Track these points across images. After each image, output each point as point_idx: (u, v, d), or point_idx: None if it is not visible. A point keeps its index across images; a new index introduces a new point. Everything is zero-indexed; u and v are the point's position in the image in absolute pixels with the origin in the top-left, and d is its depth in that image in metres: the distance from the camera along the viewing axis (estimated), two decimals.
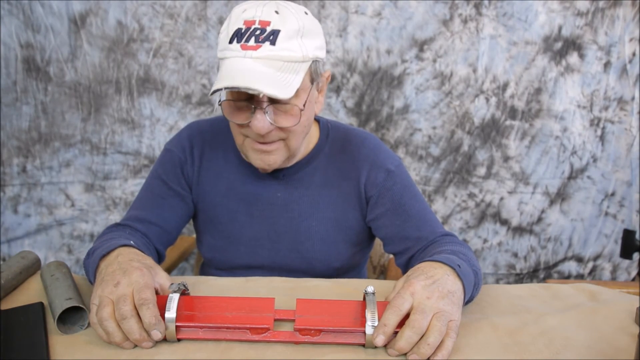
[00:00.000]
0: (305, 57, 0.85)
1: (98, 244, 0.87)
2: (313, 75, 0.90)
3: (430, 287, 0.71)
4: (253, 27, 0.82)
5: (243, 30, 0.83)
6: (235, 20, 0.84)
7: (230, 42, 0.83)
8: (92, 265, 0.80)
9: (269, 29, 0.82)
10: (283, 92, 0.81)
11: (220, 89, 0.81)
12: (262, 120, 0.85)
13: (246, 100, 0.86)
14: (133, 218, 1.02)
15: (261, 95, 0.82)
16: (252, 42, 0.82)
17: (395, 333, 0.68)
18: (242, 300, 0.75)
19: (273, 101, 0.85)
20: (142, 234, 1.01)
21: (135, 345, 0.70)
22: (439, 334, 0.66)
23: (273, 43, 0.82)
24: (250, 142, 0.91)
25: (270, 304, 0.74)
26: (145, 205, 1.05)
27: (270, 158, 0.92)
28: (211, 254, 1.10)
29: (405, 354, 0.68)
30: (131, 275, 0.73)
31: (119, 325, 0.68)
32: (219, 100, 0.89)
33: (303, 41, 0.85)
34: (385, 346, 0.69)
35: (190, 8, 1.71)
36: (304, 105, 0.88)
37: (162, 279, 0.78)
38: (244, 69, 0.81)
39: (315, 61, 0.89)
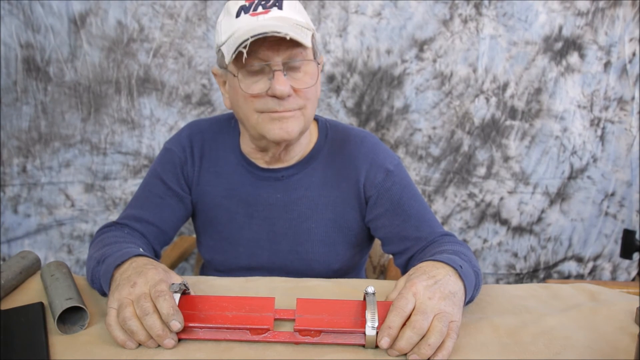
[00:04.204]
0: (308, 25, 0.89)
1: (107, 251, 0.85)
2: (315, 48, 0.93)
3: (432, 288, 0.71)
4: (256, 0, 0.87)
5: (247, 5, 0.87)
6: (235, 4, 0.89)
7: (237, 16, 0.87)
8: (105, 274, 0.79)
9: None
10: (303, 38, 0.84)
11: (247, 39, 0.81)
12: (283, 82, 0.86)
13: (261, 64, 0.87)
14: (131, 217, 1.02)
15: (278, 61, 0.85)
16: (260, 9, 0.86)
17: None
18: (242, 299, 0.75)
19: (287, 65, 0.87)
20: (140, 233, 1.01)
21: (139, 345, 0.70)
22: (439, 335, 0.66)
23: (280, 8, 0.87)
24: (266, 116, 0.90)
25: (271, 304, 0.74)
26: (144, 204, 1.05)
27: (289, 125, 0.90)
28: (210, 255, 1.10)
29: (405, 354, 0.68)
30: (147, 274, 0.73)
31: (142, 323, 0.69)
32: (235, 74, 0.90)
33: (302, 15, 0.91)
34: (374, 348, 0.69)
35: (190, 8, 1.71)
36: (317, 65, 0.92)
37: (177, 282, 0.77)
38: (262, 24, 0.84)
39: (314, 35, 0.92)
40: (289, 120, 0.90)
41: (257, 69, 0.87)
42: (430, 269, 0.75)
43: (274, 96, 0.87)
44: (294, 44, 0.85)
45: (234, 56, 0.84)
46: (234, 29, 0.86)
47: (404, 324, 0.68)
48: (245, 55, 0.83)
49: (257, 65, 0.86)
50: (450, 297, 0.71)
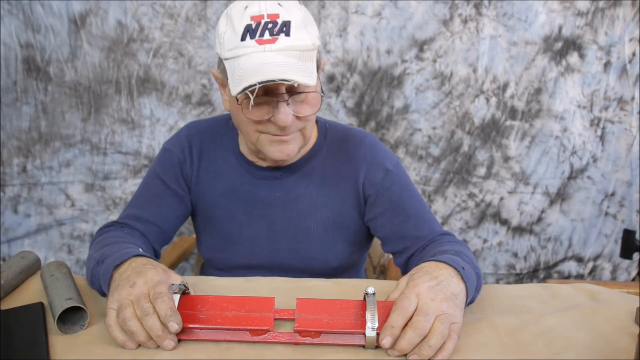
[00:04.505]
0: (314, 44, 0.87)
1: (106, 251, 0.84)
2: (318, 63, 0.91)
3: (435, 289, 0.71)
4: (263, 21, 0.83)
5: (253, 26, 0.83)
6: (240, 18, 0.84)
7: (243, 39, 0.83)
8: (104, 274, 0.78)
9: (279, 20, 0.83)
10: (310, 80, 0.82)
11: (254, 85, 0.79)
12: (286, 113, 0.86)
13: (265, 95, 0.85)
14: (131, 217, 1.02)
15: (282, 90, 0.84)
16: (267, 35, 0.82)
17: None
18: (242, 299, 0.75)
19: (291, 92, 0.86)
20: (141, 233, 1.01)
21: (139, 345, 0.70)
22: (441, 337, 0.66)
23: (288, 34, 0.83)
24: (266, 137, 0.91)
25: (270, 304, 0.74)
26: (144, 204, 1.05)
27: (289, 148, 0.92)
28: (210, 254, 1.10)
29: (405, 355, 0.68)
30: (146, 274, 0.73)
31: (142, 324, 0.69)
32: (238, 100, 0.87)
33: (308, 29, 0.86)
34: (374, 348, 0.69)
35: (190, 8, 1.71)
36: (322, 91, 0.90)
37: (176, 282, 0.77)
38: (270, 62, 0.81)
39: (319, 50, 0.91)
40: (289, 143, 0.92)
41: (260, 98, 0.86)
42: (433, 270, 0.75)
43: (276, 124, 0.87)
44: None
45: (239, 95, 0.82)
46: (239, 52, 0.83)
47: (406, 325, 0.68)
48: (252, 102, 0.81)
49: (262, 97, 0.85)
50: (452, 298, 0.71)
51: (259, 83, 0.79)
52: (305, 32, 0.85)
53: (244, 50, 0.83)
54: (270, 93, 0.85)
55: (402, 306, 0.68)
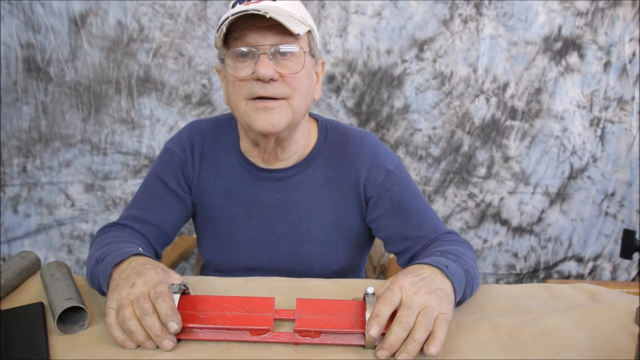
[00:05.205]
0: (304, 20, 0.90)
1: (106, 250, 0.85)
2: (311, 45, 0.93)
3: (418, 284, 0.72)
4: None
5: None
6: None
7: (233, 7, 0.89)
8: (103, 273, 0.79)
9: None
10: (289, 23, 0.85)
11: (228, 17, 0.84)
12: (266, 65, 0.86)
13: (249, 48, 0.88)
14: (131, 218, 1.02)
15: (265, 44, 0.87)
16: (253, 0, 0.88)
17: (384, 334, 0.68)
18: (242, 299, 0.75)
19: (276, 52, 0.88)
20: (141, 234, 1.01)
21: (139, 345, 0.70)
22: (424, 330, 0.66)
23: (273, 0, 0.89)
24: (253, 103, 0.90)
25: (270, 304, 0.74)
26: (144, 204, 1.04)
27: (274, 116, 0.90)
28: (210, 255, 1.10)
29: (394, 355, 0.67)
30: (146, 275, 0.73)
31: (141, 324, 0.69)
32: (223, 57, 0.92)
33: (299, 9, 0.91)
34: (374, 348, 0.69)
35: (190, 8, 1.71)
36: (304, 54, 0.91)
37: (176, 281, 0.77)
38: (249, 8, 0.85)
39: (312, 33, 0.93)
40: (274, 111, 0.90)
41: (245, 52, 0.88)
42: (416, 270, 0.76)
43: (259, 79, 0.87)
44: (284, 31, 0.86)
45: (221, 35, 0.86)
46: (227, 15, 0.87)
47: (390, 321, 0.68)
48: (224, 30, 0.85)
49: (245, 48, 0.88)
50: (436, 292, 0.71)
51: (232, 15, 0.84)
52: (295, 7, 0.90)
53: (231, 12, 0.87)
54: (254, 47, 0.87)
55: (387, 296, 0.69)
